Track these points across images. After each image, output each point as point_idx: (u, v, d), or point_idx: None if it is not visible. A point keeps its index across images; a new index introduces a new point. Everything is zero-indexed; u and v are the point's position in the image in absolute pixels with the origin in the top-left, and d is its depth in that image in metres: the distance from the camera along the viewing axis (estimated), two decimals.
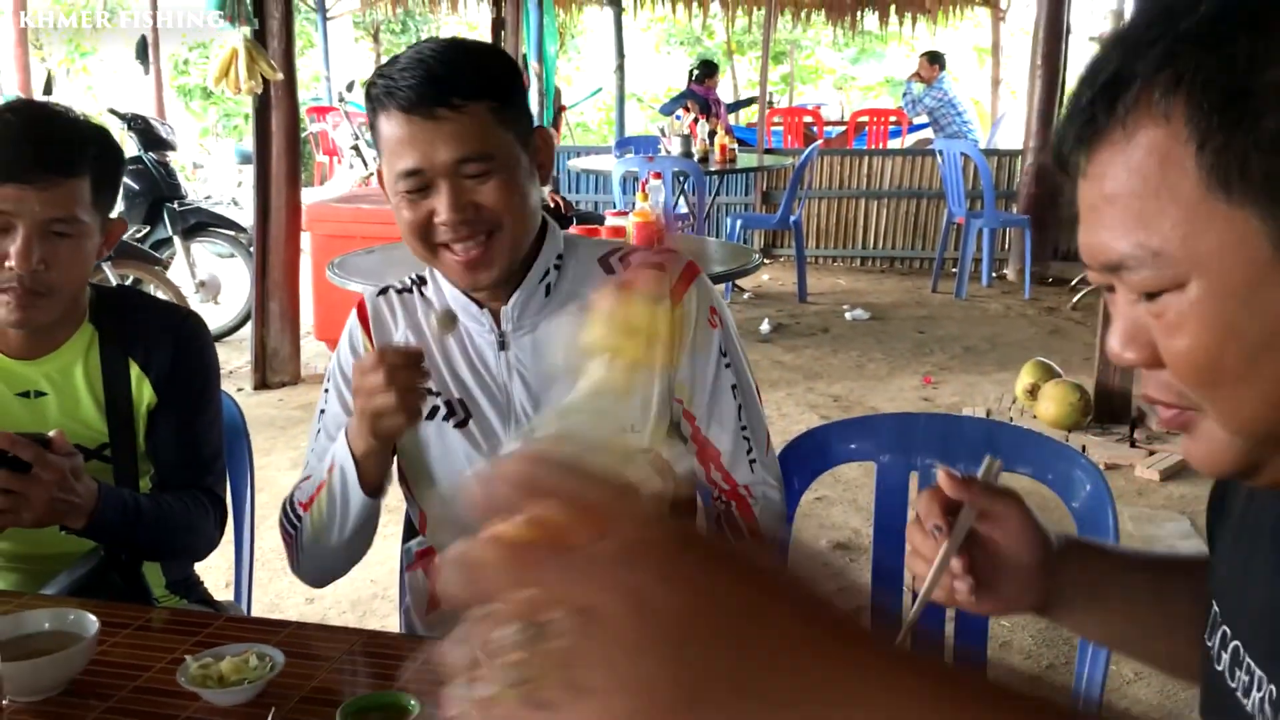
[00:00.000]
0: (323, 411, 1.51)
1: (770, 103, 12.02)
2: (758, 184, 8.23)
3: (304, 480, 1.47)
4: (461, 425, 1.46)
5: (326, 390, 1.52)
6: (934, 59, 9.48)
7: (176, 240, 5.86)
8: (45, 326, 1.54)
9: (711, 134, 6.99)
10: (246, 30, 4.85)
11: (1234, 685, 0.81)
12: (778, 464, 1.56)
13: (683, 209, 6.84)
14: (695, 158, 6.72)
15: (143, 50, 9.64)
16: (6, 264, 1.44)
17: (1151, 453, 4.23)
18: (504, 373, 1.46)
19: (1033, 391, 4.61)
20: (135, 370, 1.59)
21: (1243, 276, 0.63)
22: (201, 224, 5.94)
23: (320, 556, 1.44)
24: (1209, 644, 0.86)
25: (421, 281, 1.52)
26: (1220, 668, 0.83)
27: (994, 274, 7.54)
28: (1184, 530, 3.66)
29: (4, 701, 1.06)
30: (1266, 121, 0.60)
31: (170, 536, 1.58)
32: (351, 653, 1.26)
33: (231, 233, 6.00)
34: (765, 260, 7.08)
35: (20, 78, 11.43)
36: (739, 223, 7.10)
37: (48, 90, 6.62)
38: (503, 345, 1.45)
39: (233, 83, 4.90)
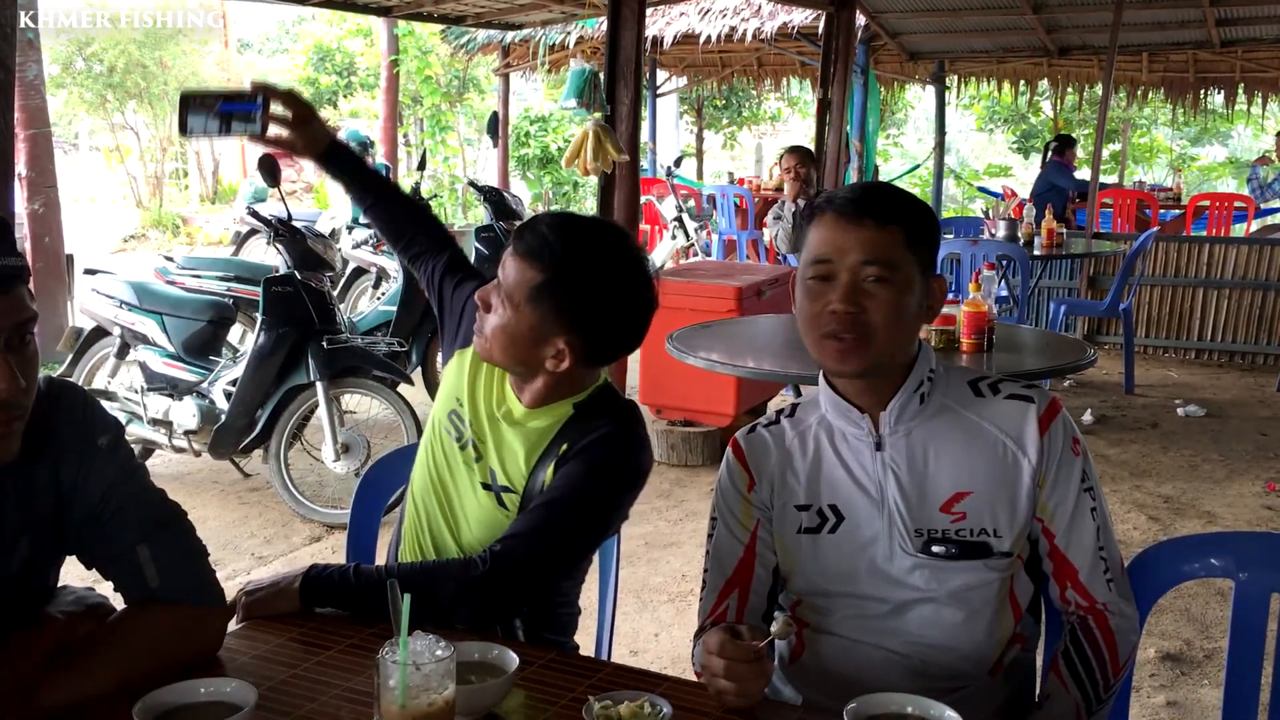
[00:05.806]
0: (710, 535, 1.71)
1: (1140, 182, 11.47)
2: (1084, 269, 7.95)
3: (704, 597, 1.70)
4: (833, 530, 1.62)
5: (714, 519, 1.72)
6: None
7: None
8: None
9: (1039, 218, 6.84)
10: (599, 115, 5.26)
11: None
12: (1129, 583, 1.64)
13: (1003, 292, 6.72)
14: (1020, 241, 6.59)
15: (493, 125, 10.52)
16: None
17: None
18: (879, 471, 1.60)
19: None
20: (564, 448, 1.75)
21: None
22: None
23: None
24: None
25: (788, 412, 1.71)
26: None
27: None
28: None
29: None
30: None
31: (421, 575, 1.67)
32: (724, 709, 1.39)
33: None
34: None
35: (385, 148, 12.75)
36: (1063, 309, 6.88)
37: (421, 165, 7.39)
38: (879, 446, 1.61)
39: (581, 165, 5.33)
